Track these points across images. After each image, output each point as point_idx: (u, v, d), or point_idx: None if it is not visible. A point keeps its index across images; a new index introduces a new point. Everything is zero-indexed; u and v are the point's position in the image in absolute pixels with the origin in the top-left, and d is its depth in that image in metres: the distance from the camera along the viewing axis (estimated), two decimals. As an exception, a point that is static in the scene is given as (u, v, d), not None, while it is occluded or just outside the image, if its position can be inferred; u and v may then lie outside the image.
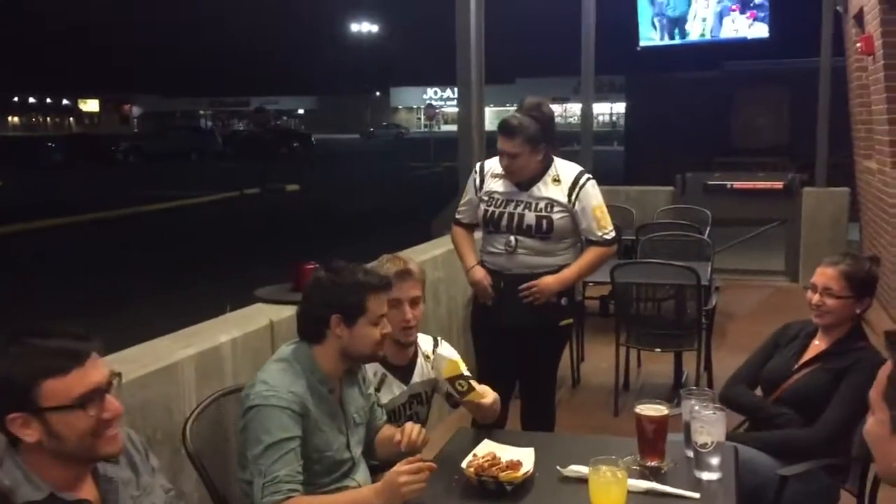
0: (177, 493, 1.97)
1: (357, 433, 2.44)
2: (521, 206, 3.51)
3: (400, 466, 2.10)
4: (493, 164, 3.65)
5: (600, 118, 60.60)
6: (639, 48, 12.03)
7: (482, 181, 3.65)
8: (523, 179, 3.52)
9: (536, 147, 3.45)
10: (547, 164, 3.53)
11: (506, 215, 3.52)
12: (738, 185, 8.98)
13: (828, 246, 7.67)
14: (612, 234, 3.61)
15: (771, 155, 15.21)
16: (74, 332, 1.63)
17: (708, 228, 7.04)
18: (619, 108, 50.53)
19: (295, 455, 2.20)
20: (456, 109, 6.56)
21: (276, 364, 2.33)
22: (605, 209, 3.58)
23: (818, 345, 2.91)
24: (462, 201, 3.78)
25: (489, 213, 3.57)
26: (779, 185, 8.80)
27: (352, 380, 2.49)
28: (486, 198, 3.60)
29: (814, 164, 9.23)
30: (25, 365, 1.56)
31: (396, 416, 2.82)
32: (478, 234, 3.85)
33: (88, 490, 1.70)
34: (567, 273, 3.54)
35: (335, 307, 2.31)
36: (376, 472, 2.58)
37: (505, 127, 3.44)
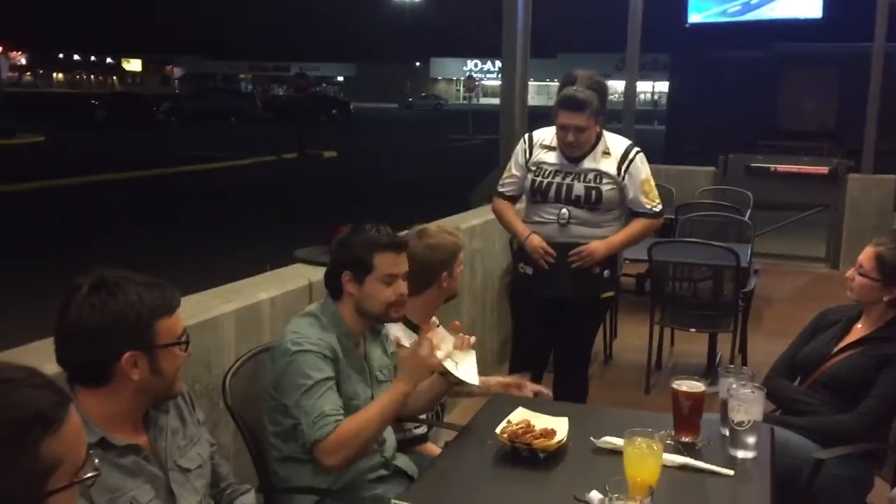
0: (217, 449, 2.02)
1: (380, 390, 2.46)
2: (571, 177, 3.50)
3: (413, 349, 2.30)
4: (544, 135, 3.63)
5: (642, 96, 59.79)
6: (687, 25, 11.83)
7: (531, 150, 3.63)
8: (584, 152, 3.49)
9: (598, 120, 3.45)
10: (598, 137, 3.52)
11: (554, 185, 3.52)
12: (781, 168, 8.84)
13: (871, 234, 7.44)
14: (660, 207, 3.62)
15: (817, 139, 14.92)
16: (159, 280, 1.74)
17: (749, 211, 6.95)
18: (661, 86, 49.83)
19: (334, 392, 2.26)
20: (496, 83, 6.53)
21: (304, 318, 2.39)
22: (653, 182, 3.59)
23: (860, 329, 2.88)
24: (506, 174, 3.76)
25: (537, 183, 3.56)
26: (823, 170, 8.65)
27: (375, 338, 2.53)
28: (534, 168, 3.59)
29: (860, 150, 9.05)
30: (147, 304, 1.67)
31: None
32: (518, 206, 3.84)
33: (139, 437, 1.74)
34: (614, 239, 3.55)
35: (346, 264, 2.38)
36: (401, 446, 2.63)
37: (572, 101, 3.39)
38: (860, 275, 2.83)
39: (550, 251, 3.55)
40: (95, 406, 1.65)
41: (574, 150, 3.49)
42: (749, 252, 5.32)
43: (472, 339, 2.50)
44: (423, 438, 2.82)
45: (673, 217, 6.61)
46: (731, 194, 7.48)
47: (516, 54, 6.07)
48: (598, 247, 3.51)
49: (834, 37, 14.94)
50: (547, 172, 3.55)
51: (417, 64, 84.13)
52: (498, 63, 6.48)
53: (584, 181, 3.49)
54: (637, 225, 3.59)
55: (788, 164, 8.90)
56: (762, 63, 16.81)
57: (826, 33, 13.93)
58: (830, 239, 8.62)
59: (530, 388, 2.78)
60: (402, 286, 2.42)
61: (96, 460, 1.25)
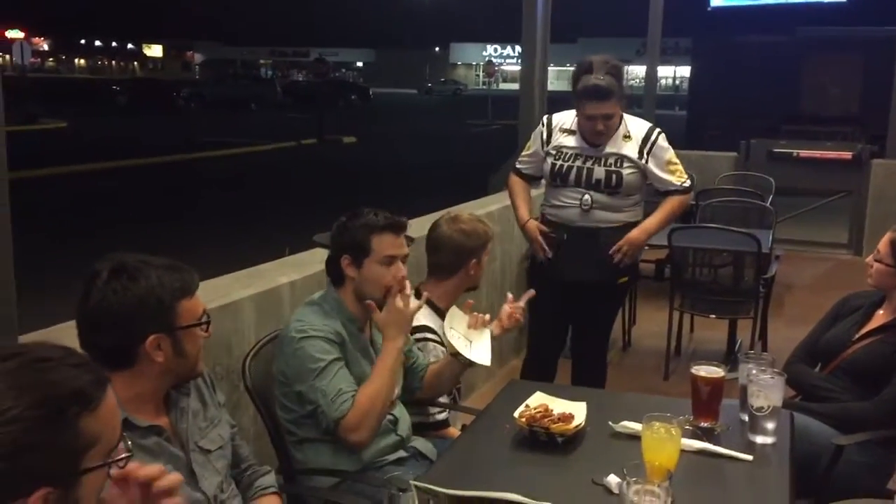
0: (238, 431, 2.04)
1: None
2: (591, 160, 3.49)
3: (389, 306, 2.33)
4: (564, 119, 3.61)
5: (663, 82, 59.27)
6: (709, 8, 11.71)
7: (550, 135, 3.61)
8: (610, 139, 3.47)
9: (622, 104, 3.44)
10: (619, 121, 3.50)
11: (574, 169, 3.50)
12: (804, 153, 8.75)
13: (895, 220, 7.44)
14: (689, 182, 3.61)
15: (840, 124, 14.73)
16: (177, 262, 1.76)
17: (771, 196, 6.89)
18: (683, 71, 49.36)
19: (346, 372, 2.30)
20: (515, 68, 6.53)
21: (308, 307, 2.41)
22: (677, 160, 3.57)
23: (882, 315, 2.86)
24: (525, 153, 3.74)
25: (557, 167, 3.54)
26: (847, 155, 8.55)
27: None
28: (553, 152, 3.57)
29: (885, 135, 8.91)
30: (168, 286, 1.69)
31: None
32: (535, 191, 3.83)
33: (160, 418, 1.77)
34: (650, 223, 3.56)
35: (345, 248, 2.39)
36: (422, 430, 2.64)
37: (598, 91, 3.36)
38: (877, 261, 2.81)
39: (545, 247, 3.56)
40: (120, 389, 1.65)
41: (604, 137, 3.45)
42: (770, 238, 5.28)
43: (487, 316, 2.51)
44: (445, 423, 2.83)
45: (694, 203, 6.56)
46: (752, 180, 7.42)
47: (536, 39, 6.05)
48: (637, 236, 3.51)
49: (858, 21, 14.74)
50: (567, 156, 3.53)
51: (437, 49, 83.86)
52: (518, 48, 6.44)
53: (604, 165, 3.47)
54: (669, 204, 3.57)
55: (811, 150, 8.80)
56: (785, 48, 16.59)
57: (850, 17, 13.74)
58: (853, 225, 8.53)
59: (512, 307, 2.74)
60: (402, 269, 2.41)
61: (129, 442, 1.27)
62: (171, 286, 1.70)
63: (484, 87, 48.72)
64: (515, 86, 5.76)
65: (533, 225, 3.63)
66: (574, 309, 3.67)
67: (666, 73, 61.47)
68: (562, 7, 6.44)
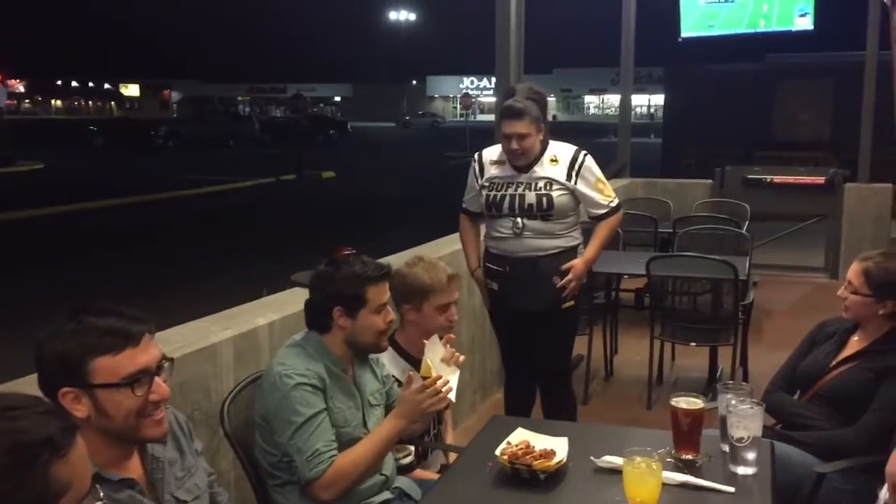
0: (216, 478, 2.01)
1: (374, 414, 2.48)
2: (522, 186, 3.58)
3: (417, 389, 2.30)
4: (491, 153, 3.73)
5: (638, 110, 60.00)
6: (680, 39, 11.90)
7: (482, 169, 3.72)
8: (528, 161, 3.57)
9: (540, 127, 3.54)
10: (544, 146, 3.61)
11: (507, 197, 3.59)
12: (778, 179, 8.85)
13: (870, 243, 7.54)
14: (616, 200, 3.72)
15: (813, 149, 14.94)
16: (131, 312, 1.65)
17: (746, 223, 6.96)
18: (657, 99, 50.01)
19: (326, 425, 2.28)
20: (492, 99, 6.56)
21: (291, 349, 2.40)
22: (605, 179, 3.69)
23: (857, 342, 2.88)
24: (467, 190, 3.85)
25: (491, 198, 3.63)
26: (820, 180, 8.66)
27: (363, 363, 2.53)
28: (487, 184, 3.67)
29: (857, 159, 9.08)
30: (79, 342, 1.58)
31: None
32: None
33: (135, 468, 1.72)
34: (589, 253, 3.67)
35: (336, 300, 2.37)
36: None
37: (512, 111, 3.50)
38: (852, 293, 2.83)
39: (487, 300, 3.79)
40: (85, 441, 1.64)
41: (519, 157, 3.56)
42: (747, 264, 5.32)
43: (462, 358, 2.51)
44: (410, 468, 2.77)
45: (671, 230, 6.63)
46: (728, 206, 7.50)
47: (510, 70, 6.10)
48: (579, 266, 3.61)
49: (827, 47, 15.03)
50: (499, 185, 3.63)
51: (414, 82, 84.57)
52: (494, 79, 6.52)
53: (535, 190, 3.56)
54: (603, 230, 3.68)
55: (784, 175, 8.91)
56: (755, 75, 16.87)
57: (819, 43, 13.98)
58: (829, 249, 8.63)
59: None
60: (391, 313, 2.46)
61: (100, 491, 1.26)
62: (84, 342, 1.58)
63: (461, 118, 49.10)
64: (492, 117, 5.85)
65: (480, 274, 3.80)
66: (528, 338, 3.74)
67: (640, 101, 62.33)
68: (536, 38, 6.54)
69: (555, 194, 3.55)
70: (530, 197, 3.55)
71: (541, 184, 3.56)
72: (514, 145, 3.51)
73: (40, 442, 1.13)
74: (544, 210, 3.55)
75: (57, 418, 1.18)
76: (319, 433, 2.25)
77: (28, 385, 2.01)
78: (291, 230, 13.59)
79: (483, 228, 3.92)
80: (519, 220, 3.56)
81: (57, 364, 1.58)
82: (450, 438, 3.07)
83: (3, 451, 1.09)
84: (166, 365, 1.69)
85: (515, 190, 3.58)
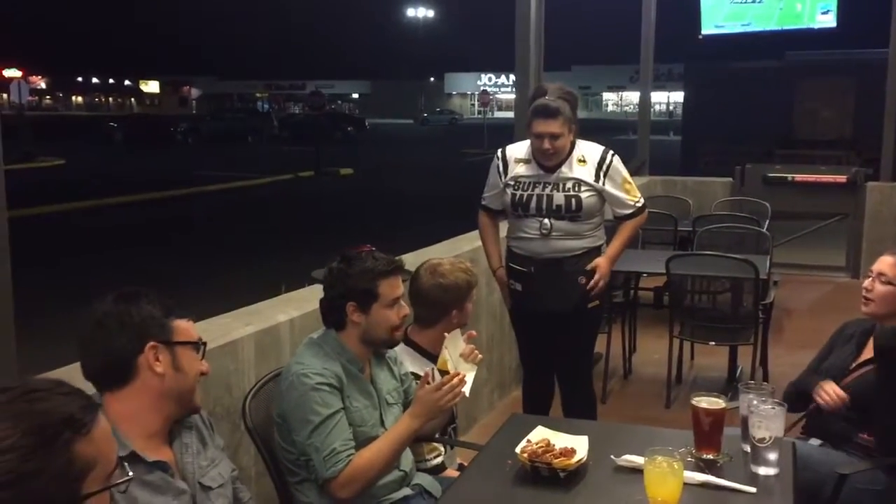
0: (238, 474, 2.05)
1: (391, 413, 2.49)
2: (550, 187, 3.55)
3: (433, 387, 2.32)
4: (516, 150, 3.68)
5: (657, 107, 59.68)
6: (701, 36, 11.83)
7: (506, 167, 3.67)
8: (559, 161, 3.54)
9: (571, 127, 3.52)
10: (572, 146, 3.58)
11: (534, 198, 3.55)
12: (799, 177, 8.78)
13: (892, 242, 7.46)
14: (642, 201, 3.69)
15: (834, 148, 14.82)
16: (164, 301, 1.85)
17: (767, 221, 6.90)
18: (676, 97, 49.67)
19: (343, 424, 2.29)
20: (510, 96, 6.56)
21: (308, 348, 2.41)
22: (631, 180, 3.66)
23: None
24: (487, 187, 3.80)
25: (517, 197, 3.59)
26: (842, 178, 8.58)
27: (380, 361, 2.54)
28: (512, 182, 3.62)
29: (879, 157, 8.97)
30: (159, 306, 1.80)
31: None
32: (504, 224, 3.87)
33: (165, 453, 1.79)
34: (612, 251, 3.65)
35: (349, 296, 2.38)
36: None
37: (548, 110, 3.46)
38: (883, 283, 2.79)
39: (508, 299, 3.77)
40: (125, 416, 1.71)
41: (550, 157, 3.52)
42: (768, 263, 5.29)
43: (480, 357, 2.52)
44: (441, 468, 2.79)
45: (691, 229, 6.59)
46: (748, 205, 7.44)
47: (529, 68, 6.09)
48: (604, 265, 3.59)
49: (849, 44, 14.88)
50: (526, 185, 3.59)
51: (432, 80, 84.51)
52: (512, 77, 6.52)
53: (563, 190, 3.53)
54: (627, 228, 3.67)
55: (806, 174, 8.83)
56: (777, 73, 16.74)
57: (841, 41, 13.85)
58: (850, 248, 8.55)
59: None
60: (405, 307, 2.47)
61: (127, 464, 1.30)
62: (164, 305, 1.82)
63: (479, 116, 49.05)
64: (510, 114, 5.86)
65: (502, 273, 3.75)
66: (551, 338, 3.72)
67: (659, 98, 61.96)
68: (556, 35, 6.51)
69: (583, 196, 3.52)
70: (558, 198, 3.52)
71: (569, 184, 3.52)
72: (547, 145, 3.47)
73: (62, 420, 1.16)
74: (573, 212, 3.52)
75: (78, 398, 1.21)
76: (337, 433, 2.26)
77: (70, 374, 2.04)
78: (310, 227, 13.64)
79: (503, 227, 3.89)
80: (546, 220, 3.53)
81: (144, 324, 1.76)
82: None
83: (26, 432, 1.12)
84: (202, 346, 1.89)
85: (543, 190, 3.54)
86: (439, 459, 2.81)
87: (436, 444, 2.82)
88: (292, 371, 2.32)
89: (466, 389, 2.42)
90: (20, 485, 1.09)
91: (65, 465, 1.14)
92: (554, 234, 3.53)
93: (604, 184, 3.55)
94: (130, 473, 1.30)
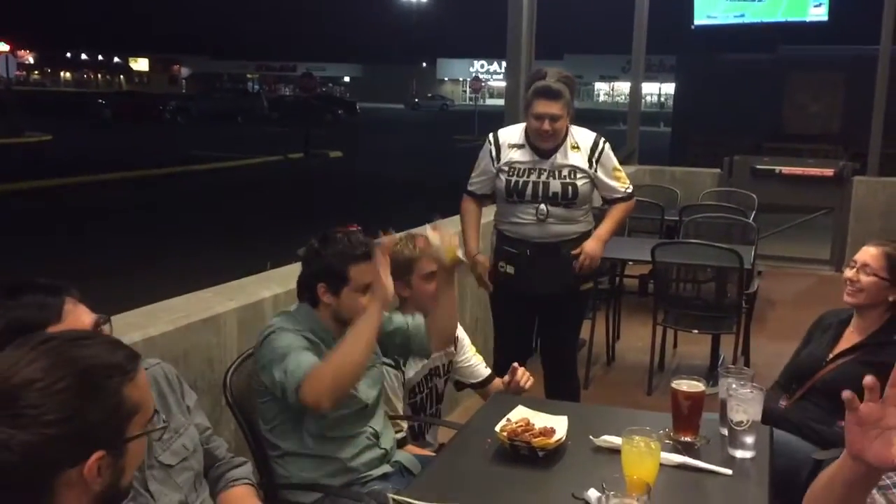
0: (214, 432, 2.03)
1: (369, 374, 2.44)
2: (545, 174, 3.55)
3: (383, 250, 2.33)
4: (509, 134, 3.66)
5: (648, 98, 59.68)
6: (693, 27, 11.82)
7: (498, 151, 3.64)
8: (554, 145, 3.54)
9: (570, 111, 3.52)
10: (566, 132, 3.58)
11: (530, 184, 3.55)
12: (786, 170, 8.81)
13: (877, 237, 7.48)
14: (631, 188, 3.73)
15: (822, 142, 14.86)
16: (45, 285, 1.64)
17: (753, 213, 6.94)
18: (668, 88, 49.69)
19: (312, 356, 2.23)
20: (502, 83, 6.55)
21: (283, 316, 2.40)
22: (620, 167, 3.69)
23: (853, 333, 2.86)
24: (475, 173, 3.76)
25: (512, 183, 3.58)
26: (829, 172, 8.62)
27: None
28: (506, 168, 3.60)
29: (866, 153, 9.02)
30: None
31: (417, 390, 2.87)
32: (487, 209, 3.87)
33: None
34: (602, 233, 3.66)
35: (320, 276, 2.36)
36: None
37: (550, 91, 3.46)
38: (868, 274, 2.79)
39: (488, 284, 3.71)
40: None
41: (547, 139, 3.51)
42: (753, 254, 5.32)
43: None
44: (403, 442, 2.74)
45: (677, 218, 6.62)
46: (735, 196, 7.48)
47: (521, 55, 6.08)
48: (595, 246, 3.60)
49: (840, 39, 14.90)
50: (521, 171, 3.57)
51: (424, 65, 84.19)
52: (504, 64, 6.51)
53: (559, 178, 3.53)
54: (617, 211, 3.69)
55: (793, 167, 8.86)
56: (768, 65, 16.74)
57: (832, 36, 13.88)
58: (835, 242, 8.60)
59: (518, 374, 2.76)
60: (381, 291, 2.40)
61: (162, 415, 1.33)
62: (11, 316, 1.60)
63: (470, 102, 48.94)
64: (501, 101, 5.86)
65: (482, 259, 3.72)
66: (541, 320, 3.74)
67: (651, 89, 61.95)
68: (548, 23, 6.50)
69: (579, 183, 3.54)
70: (555, 185, 3.53)
71: (565, 171, 3.53)
72: (547, 126, 3.46)
73: (112, 365, 1.22)
74: (569, 199, 3.53)
75: (120, 345, 1.27)
76: (305, 356, 2.22)
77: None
78: (298, 207, 13.60)
79: (485, 212, 3.87)
80: (543, 206, 3.53)
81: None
82: None
83: (80, 371, 1.17)
84: (105, 325, 1.68)
85: (539, 177, 3.54)
86: (401, 434, 2.77)
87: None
88: (265, 332, 2.32)
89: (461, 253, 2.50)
90: (74, 422, 1.14)
91: (115, 406, 1.20)
92: (550, 219, 3.54)
93: (595, 170, 3.57)
94: (166, 421, 1.37)
